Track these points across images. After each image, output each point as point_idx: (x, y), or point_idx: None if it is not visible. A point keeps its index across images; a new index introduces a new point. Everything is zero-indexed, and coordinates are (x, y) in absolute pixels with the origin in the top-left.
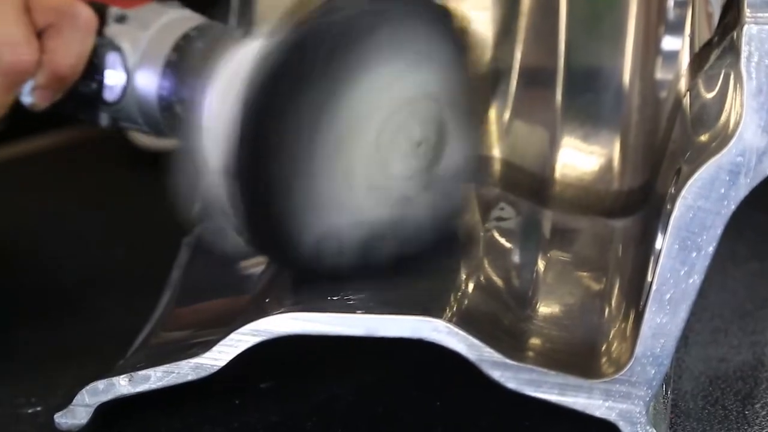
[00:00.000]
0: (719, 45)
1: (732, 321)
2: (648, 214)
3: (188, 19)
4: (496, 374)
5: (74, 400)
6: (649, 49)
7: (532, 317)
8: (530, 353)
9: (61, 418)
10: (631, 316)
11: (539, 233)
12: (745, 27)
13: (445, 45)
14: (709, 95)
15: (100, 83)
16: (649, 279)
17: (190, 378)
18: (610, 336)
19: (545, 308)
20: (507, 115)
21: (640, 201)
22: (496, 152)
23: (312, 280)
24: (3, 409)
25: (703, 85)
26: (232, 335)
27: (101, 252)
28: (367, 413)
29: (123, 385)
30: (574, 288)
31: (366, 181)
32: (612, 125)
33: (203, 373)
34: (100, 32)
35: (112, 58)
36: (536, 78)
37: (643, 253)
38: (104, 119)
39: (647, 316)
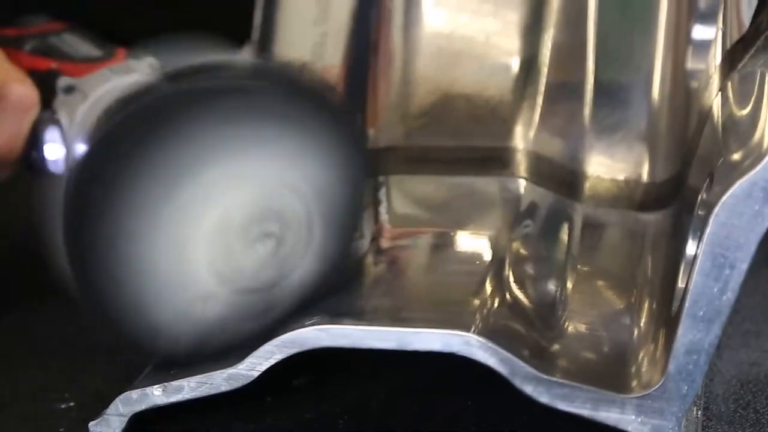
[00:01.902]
0: (752, 44)
1: (764, 324)
2: (679, 207)
3: (126, 86)
4: (529, 389)
5: (108, 409)
6: (679, 39)
7: (559, 336)
8: (558, 372)
9: (95, 428)
10: (662, 331)
11: (567, 246)
12: None
13: (319, 136)
14: (742, 105)
15: (43, 157)
16: (680, 285)
17: (223, 389)
18: (641, 351)
19: (573, 327)
20: (537, 106)
21: (671, 193)
22: (527, 144)
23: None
24: (38, 405)
25: (735, 87)
26: (265, 346)
27: None
28: (400, 412)
29: (156, 395)
30: (602, 302)
31: (207, 265)
32: (642, 115)
33: (236, 384)
34: (49, 104)
35: (50, 132)
36: (566, 67)
37: (672, 256)
38: None
39: (680, 332)
